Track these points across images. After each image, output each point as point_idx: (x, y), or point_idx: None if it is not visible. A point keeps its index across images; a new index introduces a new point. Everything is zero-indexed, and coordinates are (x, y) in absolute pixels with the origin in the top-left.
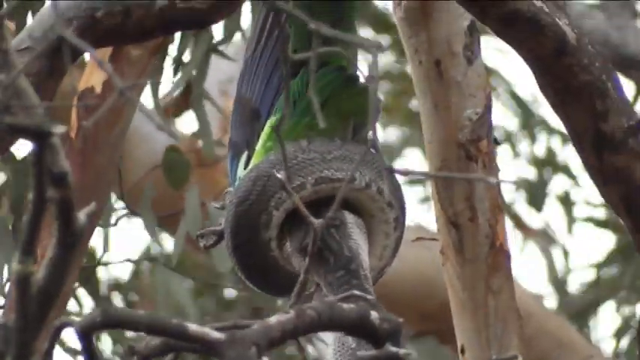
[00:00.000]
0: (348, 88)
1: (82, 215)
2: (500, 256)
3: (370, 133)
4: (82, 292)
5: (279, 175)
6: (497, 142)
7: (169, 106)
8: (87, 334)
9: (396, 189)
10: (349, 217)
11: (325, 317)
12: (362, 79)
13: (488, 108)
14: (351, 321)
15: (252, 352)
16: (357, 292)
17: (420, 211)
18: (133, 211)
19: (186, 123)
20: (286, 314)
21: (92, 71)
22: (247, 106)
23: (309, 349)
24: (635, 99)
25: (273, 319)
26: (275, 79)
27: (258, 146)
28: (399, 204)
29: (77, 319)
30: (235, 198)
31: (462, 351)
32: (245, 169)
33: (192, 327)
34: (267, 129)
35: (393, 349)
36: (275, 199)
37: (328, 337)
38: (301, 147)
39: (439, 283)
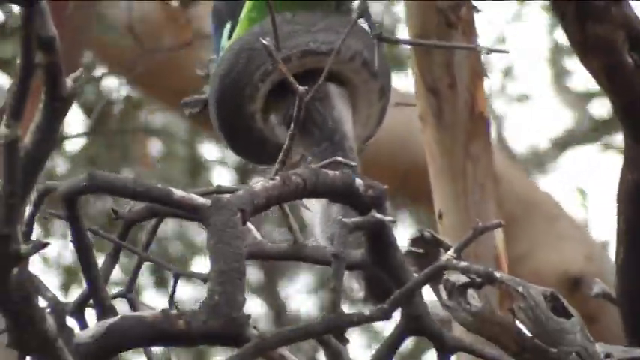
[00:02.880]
0: None
1: (69, 80)
2: (479, 122)
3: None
4: None
5: (265, 42)
6: (476, 9)
7: None
8: (71, 199)
9: (381, 57)
10: (333, 89)
11: (310, 184)
12: None
13: None
14: (336, 188)
15: (237, 218)
16: (341, 159)
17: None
18: None
19: None
20: (272, 181)
21: None
22: None
23: None
24: None
25: (258, 186)
26: None
27: (242, 16)
28: (383, 73)
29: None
30: (220, 70)
31: (440, 216)
32: (229, 39)
33: (178, 193)
34: None
35: (378, 215)
36: (260, 71)
37: (315, 206)
38: (285, 19)
39: (412, 144)
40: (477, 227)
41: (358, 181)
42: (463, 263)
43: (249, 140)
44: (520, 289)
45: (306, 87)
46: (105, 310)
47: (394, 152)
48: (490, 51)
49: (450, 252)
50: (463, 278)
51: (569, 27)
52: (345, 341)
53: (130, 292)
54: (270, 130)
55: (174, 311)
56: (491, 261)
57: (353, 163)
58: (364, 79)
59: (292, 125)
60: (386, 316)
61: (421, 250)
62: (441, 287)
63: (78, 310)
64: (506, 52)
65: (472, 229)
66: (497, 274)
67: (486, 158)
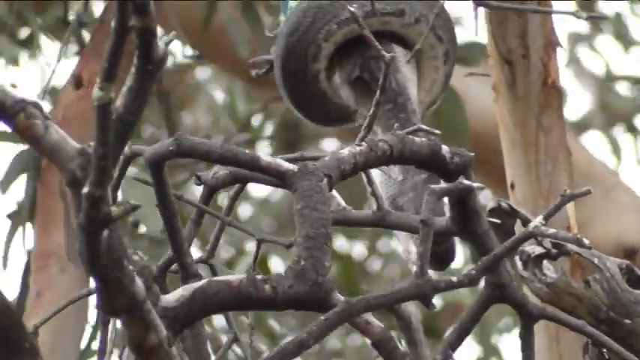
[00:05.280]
0: None
1: (162, 44)
2: (552, 93)
3: None
4: None
5: (352, 8)
6: None
7: None
8: (158, 163)
9: (447, 21)
10: (398, 51)
11: (397, 150)
12: None
13: None
14: (422, 155)
15: (323, 184)
16: (424, 127)
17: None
18: None
19: None
20: (359, 146)
21: None
22: None
23: None
24: None
25: (345, 151)
26: None
27: None
28: (449, 37)
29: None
30: (285, 29)
31: (512, 187)
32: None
33: (265, 158)
34: None
35: (466, 182)
36: (324, 30)
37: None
38: None
39: (474, 112)
40: (565, 194)
41: (444, 148)
42: (551, 230)
43: (312, 100)
44: (596, 260)
45: (392, 54)
46: (189, 275)
47: None
48: (589, 17)
49: (539, 219)
50: (538, 249)
51: None
52: (432, 307)
53: (212, 257)
54: (334, 89)
55: (259, 276)
56: (563, 231)
57: (436, 131)
58: (430, 43)
59: (378, 93)
60: (473, 282)
61: (498, 221)
62: (516, 258)
63: (160, 275)
64: (605, 17)
65: (560, 196)
66: (587, 241)
67: (558, 129)
